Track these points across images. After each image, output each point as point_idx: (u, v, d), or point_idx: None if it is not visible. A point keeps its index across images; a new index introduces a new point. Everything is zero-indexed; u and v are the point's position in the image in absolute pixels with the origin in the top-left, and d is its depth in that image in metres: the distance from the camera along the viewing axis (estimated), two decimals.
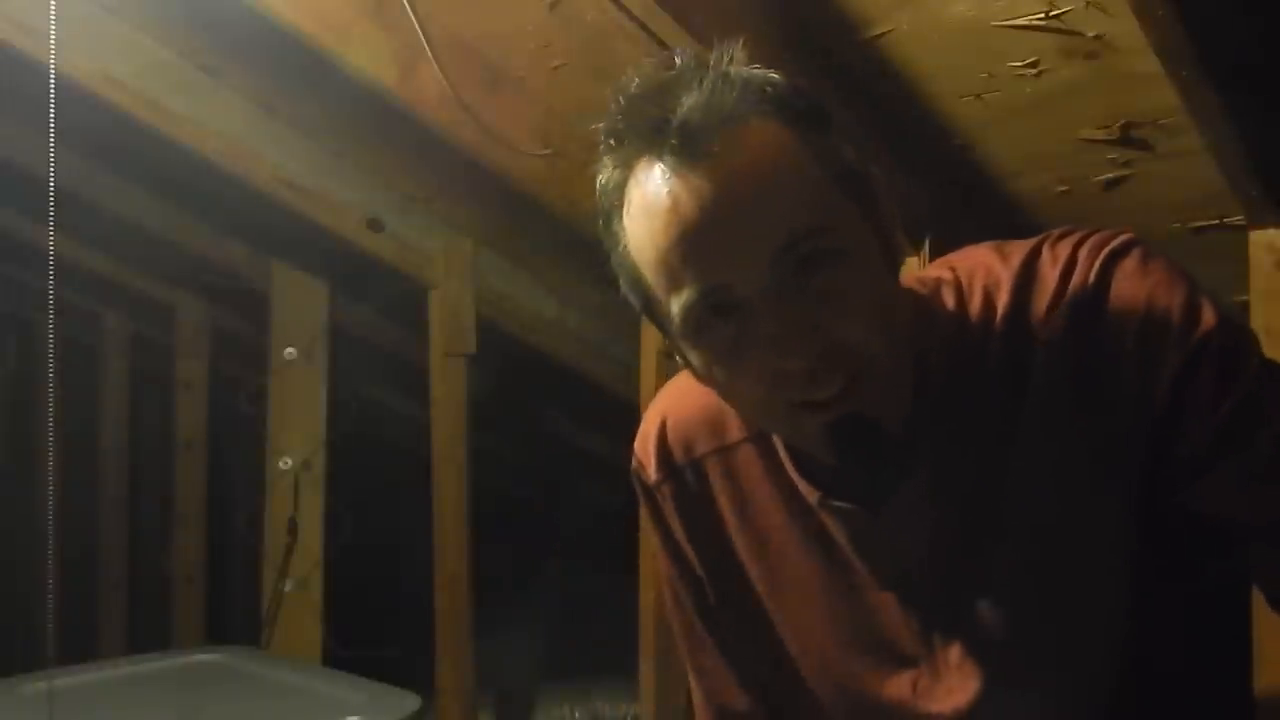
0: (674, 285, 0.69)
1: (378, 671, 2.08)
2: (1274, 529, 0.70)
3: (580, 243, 1.98)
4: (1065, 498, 0.73)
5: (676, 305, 0.70)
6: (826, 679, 0.85)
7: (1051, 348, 0.72)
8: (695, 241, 0.67)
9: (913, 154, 1.38)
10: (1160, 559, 0.77)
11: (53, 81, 1.36)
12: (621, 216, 0.72)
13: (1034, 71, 1.21)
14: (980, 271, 0.77)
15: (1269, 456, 0.68)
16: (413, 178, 2.12)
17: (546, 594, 3.47)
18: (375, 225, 2.16)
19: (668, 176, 0.68)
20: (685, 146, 0.67)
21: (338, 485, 2.66)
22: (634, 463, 0.93)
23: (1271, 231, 1.25)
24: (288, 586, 2.58)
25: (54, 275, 1.48)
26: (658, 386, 1.84)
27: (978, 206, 1.48)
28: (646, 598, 1.86)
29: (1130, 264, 0.71)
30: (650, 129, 0.68)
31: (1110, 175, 1.36)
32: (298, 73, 1.73)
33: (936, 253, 1.40)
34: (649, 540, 0.96)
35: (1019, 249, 0.77)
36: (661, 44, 1.22)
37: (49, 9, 1.42)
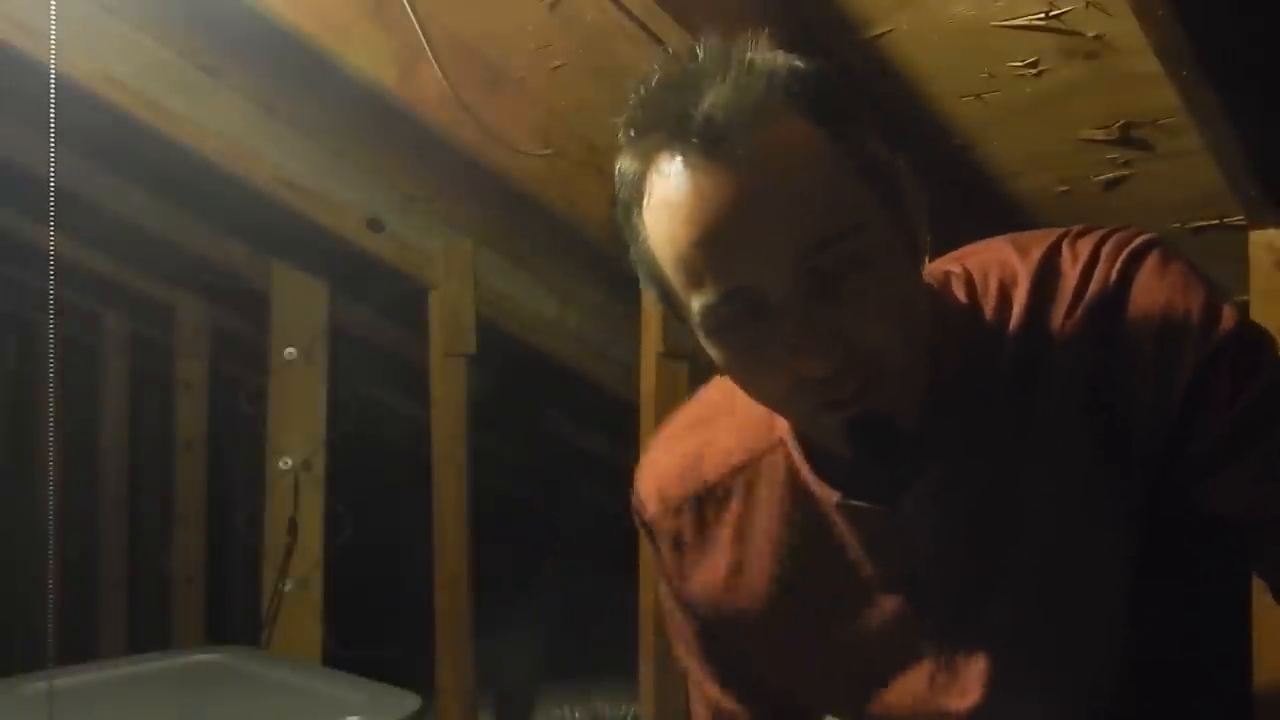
0: (694, 284, 0.68)
1: (378, 671, 2.08)
2: None
3: (580, 243, 1.98)
4: (1078, 495, 0.73)
5: (697, 304, 0.68)
6: (845, 678, 0.85)
7: (1069, 346, 0.71)
8: (717, 243, 0.66)
9: (913, 154, 1.38)
10: (1168, 558, 0.77)
11: (53, 81, 1.36)
12: (641, 209, 0.70)
13: (1034, 71, 1.21)
14: (995, 267, 0.76)
15: None
16: (413, 178, 2.12)
17: (546, 594, 3.47)
18: (375, 225, 2.16)
19: (690, 173, 0.66)
20: (708, 143, 0.65)
21: (338, 485, 2.66)
22: (635, 499, 0.93)
23: (1271, 231, 1.25)
24: (288, 586, 2.58)
25: (54, 275, 1.48)
26: (658, 386, 1.85)
27: (978, 206, 1.48)
28: (646, 598, 1.86)
29: (1151, 264, 0.71)
30: (672, 122, 0.66)
31: (1110, 175, 1.36)
32: (298, 73, 1.73)
33: (936, 253, 1.40)
34: (649, 547, 0.96)
35: (1036, 244, 0.76)
36: (661, 44, 1.22)
37: (49, 9, 1.42)
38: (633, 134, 0.70)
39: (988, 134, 1.36)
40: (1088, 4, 1.08)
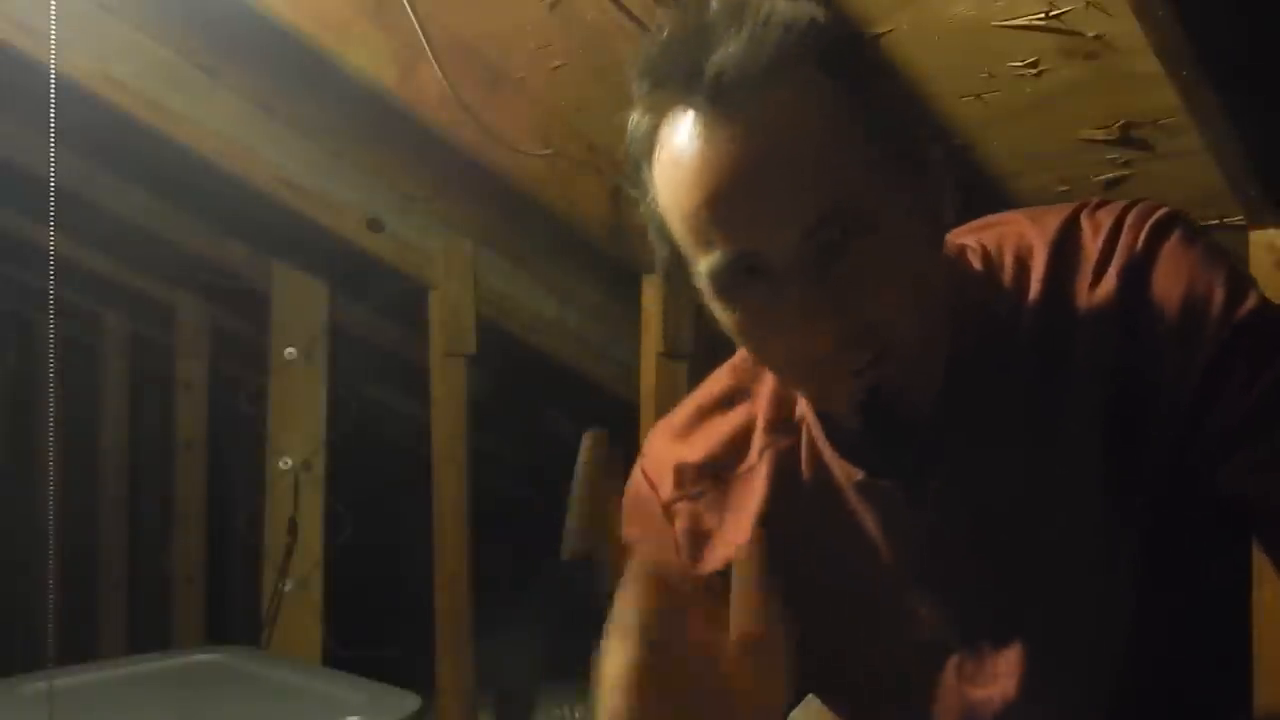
0: (703, 245, 0.66)
1: (378, 671, 2.08)
2: None
3: (580, 243, 1.98)
4: (1098, 472, 0.71)
5: (705, 265, 0.66)
6: (862, 670, 0.84)
7: (1091, 318, 0.70)
8: (725, 203, 0.64)
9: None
10: (1182, 543, 0.76)
11: (53, 81, 1.36)
12: (651, 165, 0.68)
13: (1034, 71, 1.21)
14: (1010, 239, 0.75)
15: None
16: (413, 178, 2.12)
17: (546, 594, 3.47)
18: (375, 225, 2.16)
19: (700, 130, 0.63)
20: (720, 99, 0.62)
21: (338, 485, 2.66)
22: (639, 482, 0.90)
23: (1271, 231, 1.25)
24: (288, 586, 2.58)
25: (54, 275, 1.48)
26: (658, 386, 1.85)
27: (978, 206, 1.47)
28: None
29: (1175, 239, 0.70)
30: (684, 76, 0.63)
31: (1110, 175, 1.36)
32: (297, 73, 1.73)
33: None
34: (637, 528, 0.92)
35: (1053, 216, 0.74)
36: None
37: (49, 9, 1.42)
38: (645, 87, 0.67)
39: (988, 134, 1.36)
40: (1088, 4, 1.08)
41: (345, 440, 2.70)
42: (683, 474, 0.86)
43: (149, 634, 3.42)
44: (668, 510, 0.87)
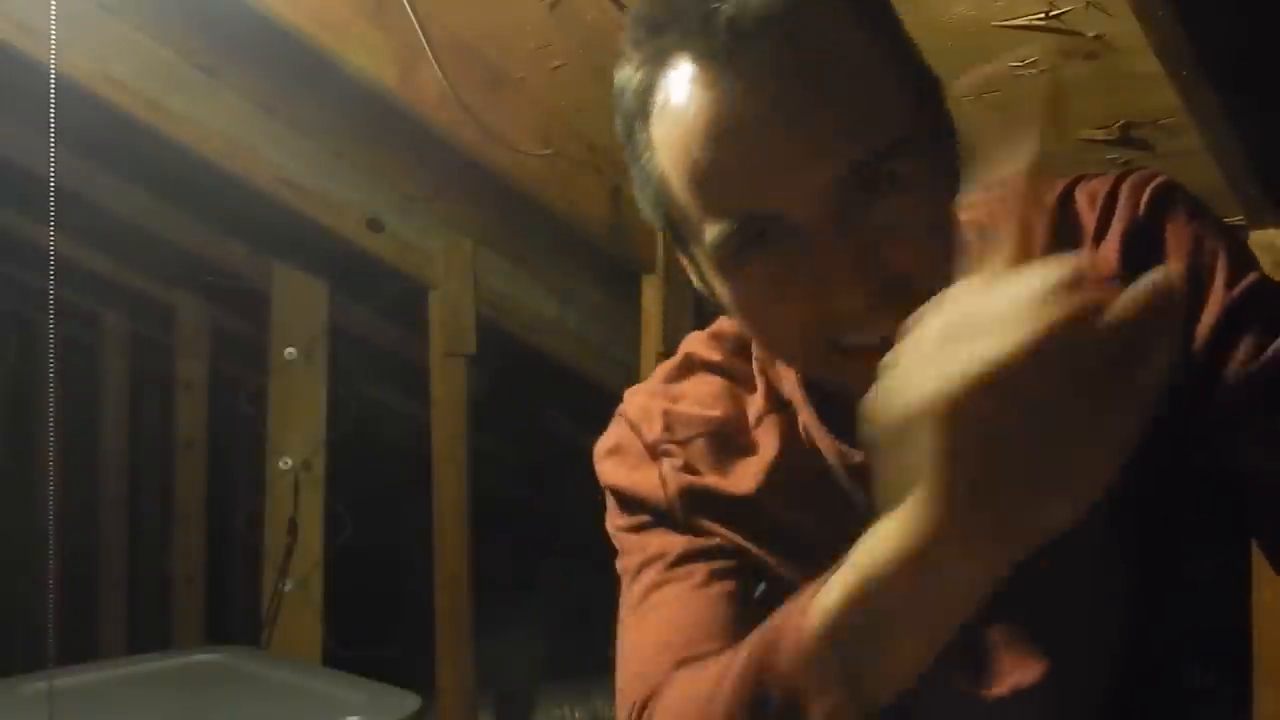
0: (711, 209, 0.60)
1: (378, 671, 2.08)
2: None
3: (580, 243, 1.98)
4: None
5: (711, 232, 0.61)
6: None
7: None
8: (743, 160, 0.58)
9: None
10: (1164, 551, 0.76)
11: (53, 81, 1.36)
12: (647, 123, 0.62)
13: (1034, 71, 1.21)
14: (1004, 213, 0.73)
15: None
16: (413, 178, 2.12)
17: (546, 594, 3.47)
18: (375, 225, 2.16)
19: (712, 78, 0.57)
20: (736, 41, 0.56)
21: (338, 485, 2.66)
22: (619, 428, 0.84)
23: (1271, 231, 1.25)
24: (288, 586, 2.58)
25: (54, 275, 1.48)
26: None
27: None
28: None
29: (1176, 208, 0.67)
30: (693, 18, 0.58)
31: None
32: (297, 73, 1.73)
33: None
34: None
35: (1049, 188, 0.71)
36: None
37: (49, 9, 1.42)
38: (643, 33, 0.61)
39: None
40: (1088, 4, 1.08)
41: (345, 440, 2.70)
42: (672, 418, 0.79)
43: (149, 634, 3.42)
44: (653, 449, 0.80)
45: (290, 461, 2.61)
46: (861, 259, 0.59)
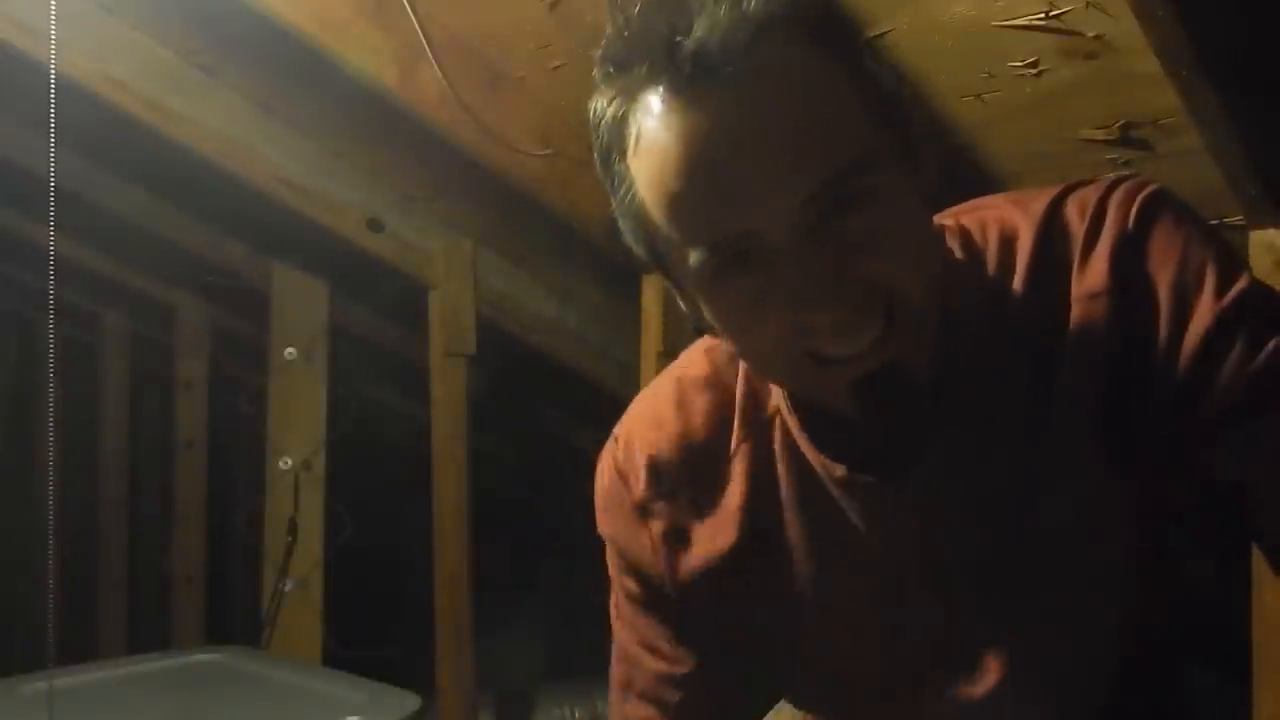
0: (690, 235, 0.63)
1: (378, 671, 2.08)
2: None
3: (580, 243, 1.98)
4: (1089, 469, 0.70)
5: (692, 257, 0.63)
6: (844, 664, 0.82)
7: (1080, 301, 0.68)
8: (716, 187, 0.60)
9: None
10: (1162, 553, 0.76)
11: (53, 81, 1.36)
12: (625, 155, 0.64)
13: (1034, 71, 1.21)
14: (993, 222, 0.73)
15: None
16: (413, 178, 2.12)
17: (546, 594, 3.47)
18: (375, 225, 2.16)
19: (680, 110, 0.60)
20: (701, 74, 0.59)
21: (338, 485, 2.66)
22: (613, 474, 0.85)
23: (1271, 231, 1.25)
24: (288, 586, 2.58)
25: (54, 275, 1.48)
26: None
27: None
28: None
29: (1165, 217, 0.68)
30: (660, 53, 0.60)
31: (1110, 175, 1.36)
32: (297, 73, 1.73)
33: None
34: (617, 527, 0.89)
35: (1037, 199, 0.72)
36: None
37: (49, 9, 1.42)
38: (612, 69, 0.64)
39: (988, 134, 1.36)
40: (1088, 4, 1.08)
41: (345, 440, 2.70)
42: (656, 470, 0.82)
43: (149, 634, 3.42)
44: (641, 509, 0.83)
45: (290, 461, 2.61)
46: (837, 273, 0.61)
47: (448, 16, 1.51)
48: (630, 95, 0.63)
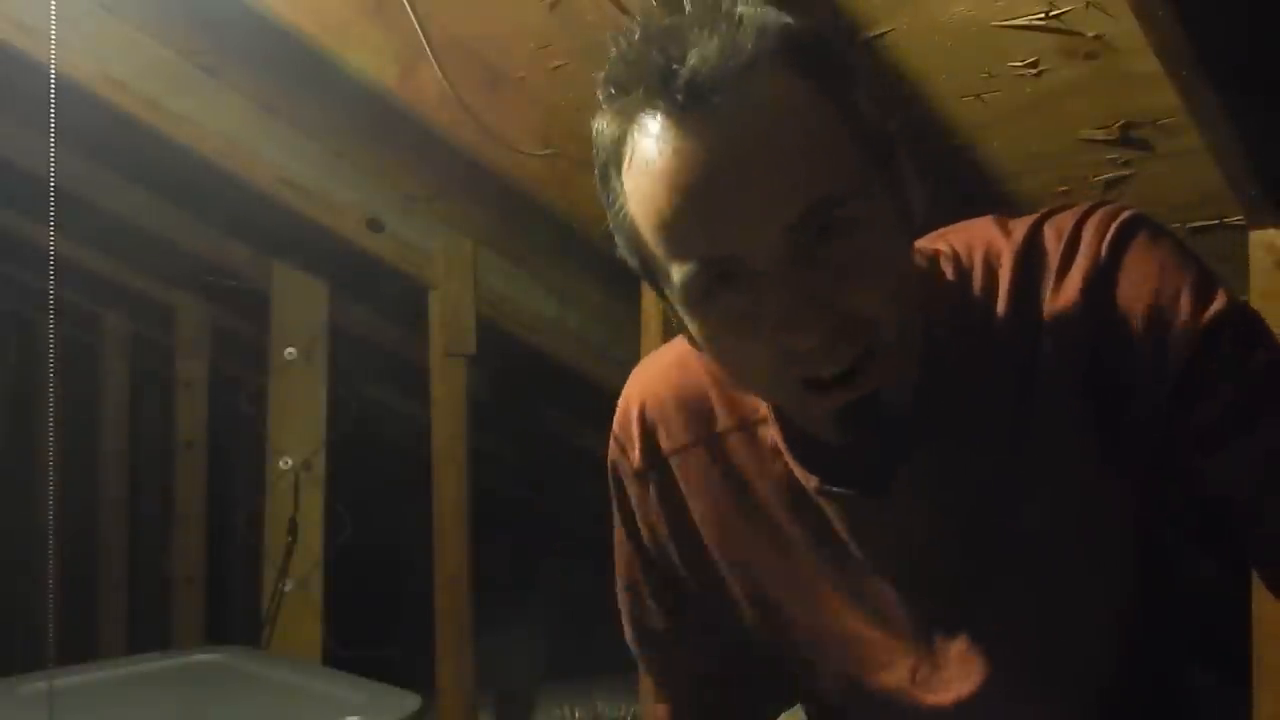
0: (677, 252, 0.65)
1: (378, 671, 2.08)
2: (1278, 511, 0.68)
3: (580, 243, 1.98)
4: (1073, 481, 0.71)
5: (679, 274, 0.65)
6: (826, 662, 0.84)
7: (1058, 325, 0.70)
8: (702, 208, 0.63)
9: (913, 154, 1.38)
10: (1159, 554, 0.76)
11: (53, 81, 1.36)
12: (620, 172, 0.67)
13: (1034, 71, 1.21)
14: (979, 245, 0.74)
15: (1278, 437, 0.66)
16: (413, 178, 2.12)
17: (546, 594, 3.47)
18: (375, 225, 2.16)
19: (673, 133, 0.62)
20: (693, 101, 0.61)
21: (338, 485, 2.67)
22: (613, 446, 0.89)
23: (1271, 231, 1.25)
24: (288, 586, 2.58)
25: (54, 275, 1.48)
26: None
27: (978, 206, 1.48)
28: None
29: (1140, 240, 0.69)
30: (655, 79, 0.62)
31: (1110, 175, 1.36)
32: (298, 73, 1.73)
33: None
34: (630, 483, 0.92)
35: (1020, 224, 0.74)
36: None
37: (49, 9, 1.43)
38: (612, 91, 0.66)
39: (988, 134, 1.36)
40: (1088, 4, 1.09)
41: (345, 440, 2.70)
42: (651, 445, 0.86)
43: (149, 634, 3.42)
44: (641, 478, 0.87)
45: (290, 461, 2.61)
46: (816, 298, 0.63)
47: (448, 16, 1.51)
48: (628, 116, 0.65)
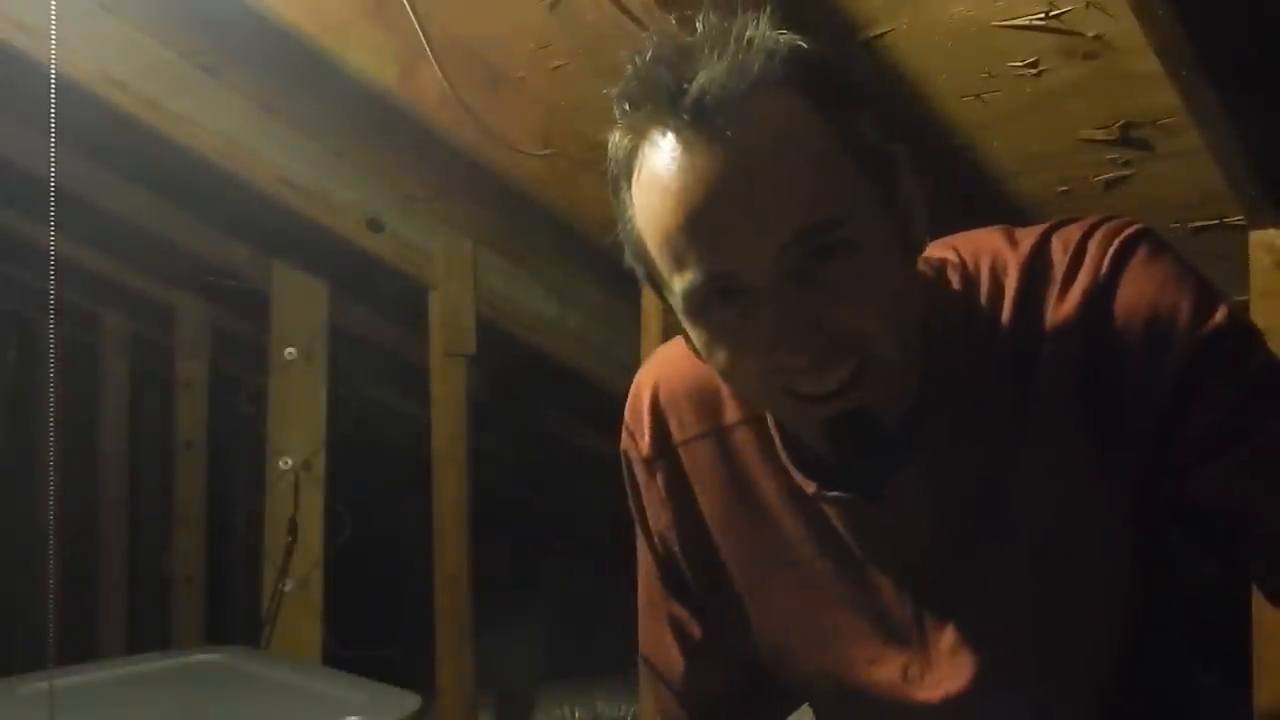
0: (678, 265, 0.67)
1: (378, 671, 2.08)
2: (1275, 521, 0.69)
3: (580, 243, 1.98)
4: (1068, 487, 0.73)
5: (680, 285, 0.67)
6: (818, 659, 0.85)
7: (1059, 335, 0.71)
8: (703, 225, 0.65)
9: (913, 154, 1.38)
10: (1159, 555, 0.77)
11: (53, 81, 1.36)
12: (630, 185, 0.69)
13: (1034, 71, 1.21)
14: (986, 255, 0.76)
15: (1273, 448, 0.67)
16: (413, 178, 2.12)
17: (546, 594, 3.47)
18: (375, 225, 2.16)
19: (679, 151, 0.65)
20: (699, 121, 0.64)
21: (338, 485, 2.67)
22: (624, 434, 0.91)
23: (1271, 231, 1.25)
24: (288, 586, 2.58)
25: (54, 275, 1.48)
26: None
27: (978, 206, 1.48)
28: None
29: (1141, 254, 0.70)
30: (665, 98, 0.65)
31: (1110, 175, 1.36)
32: (298, 73, 1.73)
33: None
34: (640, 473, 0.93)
35: (1027, 235, 0.76)
36: None
37: (49, 9, 1.42)
38: (626, 107, 0.68)
39: (988, 134, 1.36)
40: (1088, 4, 1.08)
41: (345, 440, 2.70)
42: (662, 433, 0.87)
43: (149, 634, 3.42)
44: (649, 466, 0.89)
45: (290, 461, 2.61)
46: (809, 317, 0.65)
47: (448, 16, 1.51)
48: (639, 132, 0.68)
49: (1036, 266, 0.73)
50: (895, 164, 0.70)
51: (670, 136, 0.65)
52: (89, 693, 2.00)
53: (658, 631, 0.94)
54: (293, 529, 2.59)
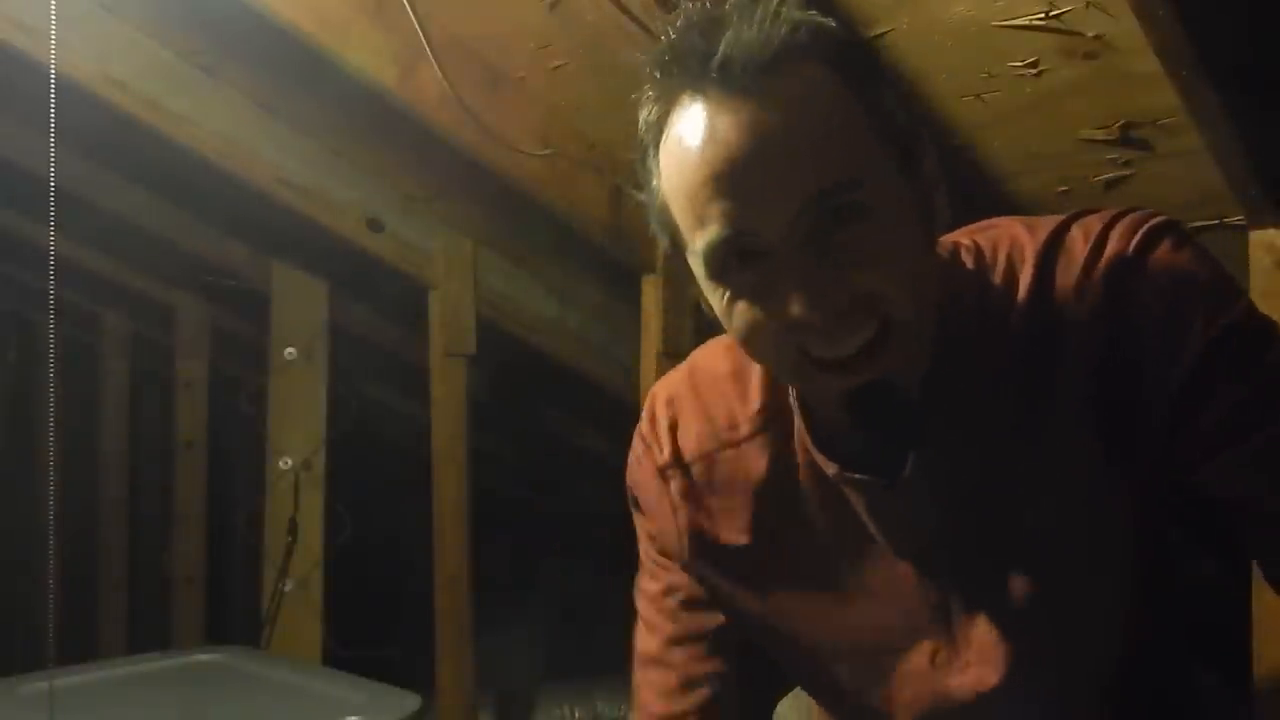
0: (700, 224, 0.68)
1: (378, 671, 2.08)
2: None
3: (580, 243, 1.98)
4: (1085, 470, 0.73)
5: (701, 242, 0.69)
6: (848, 652, 0.85)
7: (1077, 320, 0.71)
8: (725, 182, 0.66)
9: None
10: (1159, 555, 0.77)
11: (53, 81, 1.36)
12: (658, 151, 0.71)
13: (1034, 71, 1.21)
14: (1005, 240, 0.77)
15: None
16: (413, 178, 2.12)
17: (546, 594, 3.47)
18: (375, 225, 2.16)
19: (706, 113, 0.67)
20: (727, 82, 0.66)
21: (338, 485, 2.66)
22: (636, 446, 0.91)
23: (1271, 231, 1.25)
24: (288, 586, 2.58)
25: (54, 275, 1.48)
26: None
27: (978, 206, 1.48)
28: None
29: (1164, 246, 0.71)
30: (695, 62, 0.67)
31: (1110, 175, 1.36)
32: (297, 72, 1.73)
33: None
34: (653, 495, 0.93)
35: (1045, 223, 0.76)
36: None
37: (49, 9, 1.42)
38: (657, 75, 0.70)
39: (988, 134, 1.36)
40: (1088, 4, 1.09)
41: (345, 440, 2.70)
42: (680, 440, 0.88)
43: (149, 634, 3.42)
44: (662, 475, 0.89)
45: (290, 461, 2.61)
46: (825, 279, 0.66)
47: (448, 16, 1.51)
48: (669, 100, 0.70)
49: (1055, 253, 0.74)
50: (919, 142, 0.72)
51: (699, 100, 0.67)
52: (89, 693, 2.00)
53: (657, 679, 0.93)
54: (293, 529, 2.59)
